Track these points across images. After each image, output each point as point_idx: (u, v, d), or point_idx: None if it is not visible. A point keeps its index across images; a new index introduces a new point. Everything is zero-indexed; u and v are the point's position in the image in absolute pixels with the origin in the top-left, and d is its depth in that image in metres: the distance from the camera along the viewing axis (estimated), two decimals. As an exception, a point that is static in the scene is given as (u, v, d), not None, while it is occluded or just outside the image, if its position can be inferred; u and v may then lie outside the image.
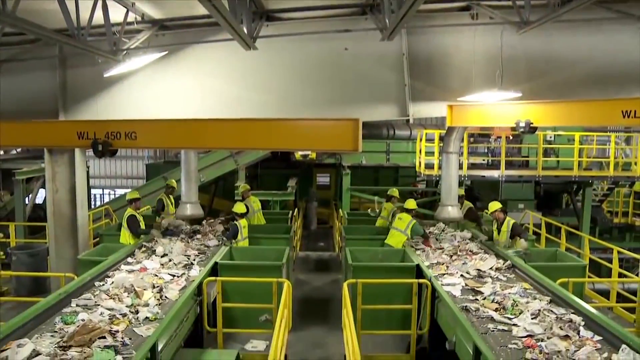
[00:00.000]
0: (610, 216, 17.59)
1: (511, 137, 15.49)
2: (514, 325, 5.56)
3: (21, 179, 14.36)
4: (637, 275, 10.06)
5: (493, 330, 5.48)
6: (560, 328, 5.34)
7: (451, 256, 8.58)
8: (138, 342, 4.97)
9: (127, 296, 6.21)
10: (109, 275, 7.19)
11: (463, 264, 8.00)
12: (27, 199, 16.24)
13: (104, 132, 7.28)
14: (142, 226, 9.51)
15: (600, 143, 19.59)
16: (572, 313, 5.80)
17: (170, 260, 8.09)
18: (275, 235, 10.82)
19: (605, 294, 10.03)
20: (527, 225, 13.03)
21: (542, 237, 12.09)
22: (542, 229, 12.19)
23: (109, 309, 5.78)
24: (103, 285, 6.77)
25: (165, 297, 6.38)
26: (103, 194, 33.04)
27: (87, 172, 14.35)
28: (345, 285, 6.99)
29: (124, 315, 5.66)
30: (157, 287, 6.64)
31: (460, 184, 12.63)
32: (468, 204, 11.11)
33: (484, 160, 16.81)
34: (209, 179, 15.21)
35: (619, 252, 9.48)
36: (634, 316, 8.48)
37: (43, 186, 13.77)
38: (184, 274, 7.46)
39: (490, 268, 7.74)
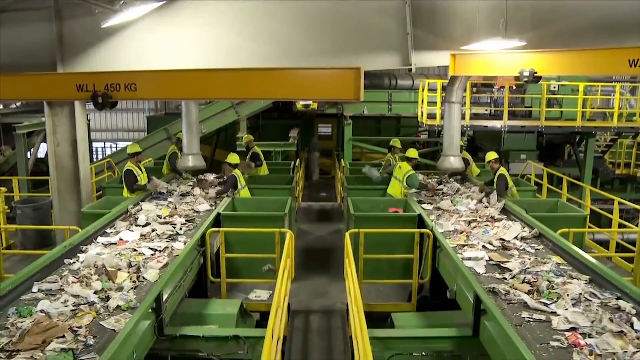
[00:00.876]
0: (612, 167, 17.58)
1: (514, 87, 15.34)
2: (553, 313, 4.72)
3: (22, 133, 14.36)
4: (637, 225, 10.13)
5: (529, 321, 4.61)
6: (611, 320, 4.44)
7: (469, 223, 7.68)
8: (103, 342, 4.16)
9: (97, 279, 5.37)
10: (82, 250, 6.32)
11: (484, 232, 7.16)
12: (29, 153, 16.28)
13: (103, 84, 7.19)
14: (144, 179, 9.52)
15: (604, 93, 19.37)
16: (617, 298, 4.97)
17: (153, 231, 7.19)
18: (277, 186, 10.90)
19: (604, 244, 10.14)
20: (529, 175, 13.06)
21: (544, 188, 12.11)
22: (544, 180, 12.20)
23: (74, 296, 4.95)
24: (73, 263, 5.89)
25: (143, 278, 5.55)
26: (105, 147, 33.13)
27: (88, 125, 14.32)
28: (347, 235, 7.04)
29: (91, 304, 4.82)
30: (134, 265, 5.78)
31: (463, 134, 12.58)
32: (465, 155, 11.09)
33: (486, 110, 16.71)
34: (211, 130, 15.15)
35: (619, 203, 9.51)
36: (632, 265, 8.58)
37: (44, 140, 13.77)
38: (166, 247, 6.57)
39: (515, 237, 6.95)
